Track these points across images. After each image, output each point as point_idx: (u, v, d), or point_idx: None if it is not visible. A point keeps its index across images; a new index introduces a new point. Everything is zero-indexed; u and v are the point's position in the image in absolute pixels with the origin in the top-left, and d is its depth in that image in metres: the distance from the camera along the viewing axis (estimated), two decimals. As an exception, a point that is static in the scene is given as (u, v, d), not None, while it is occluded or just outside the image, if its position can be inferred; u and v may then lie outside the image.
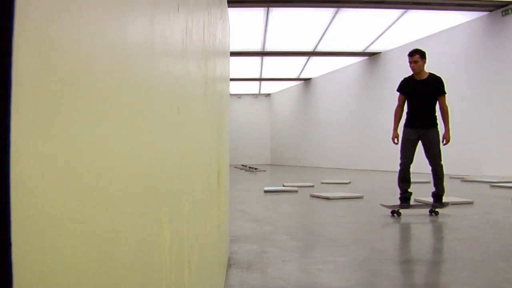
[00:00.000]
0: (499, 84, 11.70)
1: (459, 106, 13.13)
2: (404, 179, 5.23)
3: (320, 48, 15.40)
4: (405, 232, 4.46)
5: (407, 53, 5.34)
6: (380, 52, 16.71)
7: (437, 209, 5.19)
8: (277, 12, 12.13)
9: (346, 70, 18.84)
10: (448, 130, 5.18)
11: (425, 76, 5.22)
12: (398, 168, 5.32)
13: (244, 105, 25.69)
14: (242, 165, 20.67)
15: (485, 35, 12.28)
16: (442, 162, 5.16)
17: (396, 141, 5.32)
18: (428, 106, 5.15)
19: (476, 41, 12.57)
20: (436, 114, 5.23)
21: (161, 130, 0.69)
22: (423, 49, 5.31)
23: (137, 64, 0.55)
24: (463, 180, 10.52)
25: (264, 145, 26.11)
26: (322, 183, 10.30)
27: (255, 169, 17.66)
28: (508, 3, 11.42)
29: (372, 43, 15.41)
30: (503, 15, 11.72)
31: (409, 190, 5.27)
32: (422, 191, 7.78)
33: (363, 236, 4.02)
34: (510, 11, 11.51)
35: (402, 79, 5.47)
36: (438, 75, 5.32)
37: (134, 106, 0.53)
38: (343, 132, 18.60)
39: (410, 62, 5.23)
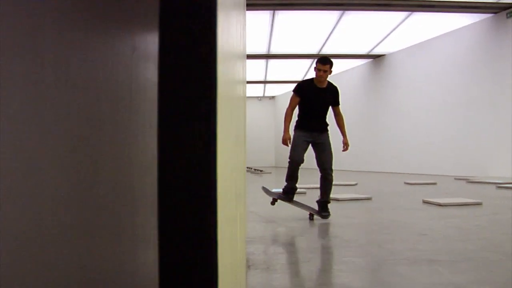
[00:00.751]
0: (504, 85, 11.71)
1: (463, 108, 13.13)
2: (293, 177, 5.30)
3: (325, 51, 15.43)
4: (412, 231, 4.47)
5: (318, 59, 5.21)
6: (384, 54, 16.74)
7: (317, 215, 5.20)
8: (283, 15, 12.19)
9: (350, 73, 18.88)
10: (346, 136, 5.51)
11: (325, 85, 5.24)
12: (288, 165, 5.31)
13: (249, 108, 25.62)
14: (247, 167, 20.68)
15: (490, 37, 12.30)
16: (333, 167, 5.20)
17: (288, 142, 5.29)
18: (322, 113, 5.27)
19: (481, 43, 12.59)
20: (327, 120, 5.31)
21: (232, 132, 0.71)
22: (332, 60, 5.25)
23: (223, 68, 0.57)
24: (469, 181, 10.53)
25: (268, 148, 26.10)
26: (329, 185, 10.27)
27: (260, 171, 17.67)
28: (513, 5, 11.46)
29: (376, 46, 15.44)
30: (507, 17, 11.74)
31: (296, 186, 5.32)
32: (428, 192, 7.80)
33: (376, 236, 4.04)
34: (515, 13, 11.54)
35: (300, 81, 5.45)
36: (335, 84, 5.37)
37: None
38: (348, 134, 18.60)
39: (319, 70, 5.10)
